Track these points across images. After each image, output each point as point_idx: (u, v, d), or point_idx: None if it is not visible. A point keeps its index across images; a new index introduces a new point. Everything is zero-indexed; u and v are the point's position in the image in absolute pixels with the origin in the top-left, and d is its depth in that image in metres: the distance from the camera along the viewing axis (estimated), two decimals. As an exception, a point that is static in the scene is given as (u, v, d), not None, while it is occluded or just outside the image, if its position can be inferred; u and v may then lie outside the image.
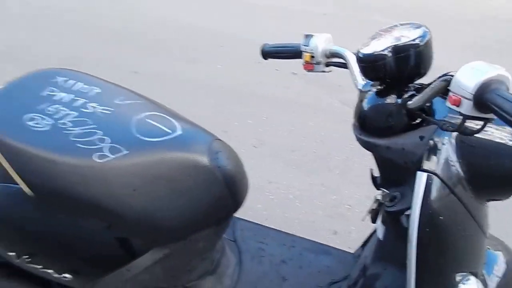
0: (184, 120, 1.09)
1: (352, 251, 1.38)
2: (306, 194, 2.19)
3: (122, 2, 4.23)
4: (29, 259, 1.02)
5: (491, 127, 0.82)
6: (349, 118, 0.96)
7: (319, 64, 0.98)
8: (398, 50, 0.81)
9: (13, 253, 1.03)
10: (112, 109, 1.02)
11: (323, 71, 0.99)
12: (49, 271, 1.03)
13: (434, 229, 0.83)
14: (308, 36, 1.00)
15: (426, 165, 0.82)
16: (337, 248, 1.45)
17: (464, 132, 0.78)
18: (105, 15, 3.92)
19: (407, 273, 0.86)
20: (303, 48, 0.99)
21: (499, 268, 1.08)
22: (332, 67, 1.03)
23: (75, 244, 0.98)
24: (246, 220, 1.51)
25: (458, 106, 0.72)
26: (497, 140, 0.82)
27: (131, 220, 0.95)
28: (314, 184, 2.25)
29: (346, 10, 4.12)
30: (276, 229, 1.50)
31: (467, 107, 0.71)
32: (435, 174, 0.82)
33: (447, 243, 0.86)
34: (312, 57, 0.98)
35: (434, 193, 0.82)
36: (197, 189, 0.99)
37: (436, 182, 0.82)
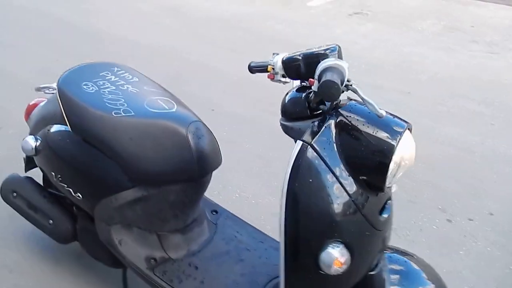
0: (184, 106, 1.49)
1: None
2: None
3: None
4: (61, 178, 1.48)
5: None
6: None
7: (277, 74, 1.24)
8: (308, 57, 1.10)
9: (53, 173, 1.50)
10: (138, 91, 1.48)
11: (280, 80, 1.25)
12: (70, 189, 1.47)
13: (302, 188, 1.03)
14: (274, 54, 1.28)
15: (306, 138, 1.05)
16: None
17: (319, 109, 1.07)
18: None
19: (279, 225, 1.07)
20: (270, 62, 1.27)
21: None
22: (288, 79, 1.25)
23: (88, 169, 1.41)
24: (233, 214, 1.79)
25: (312, 85, 1.02)
26: (367, 131, 1.01)
27: (125, 159, 1.35)
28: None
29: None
30: (255, 227, 1.75)
31: (315, 86, 1.00)
32: (310, 144, 1.03)
33: (315, 205, 1.02)
34: (273, 69, 1.26)
35: (305, 159, 1.03)
36: (172, 149, 1.36)
37: (310, 151, 1.03)
